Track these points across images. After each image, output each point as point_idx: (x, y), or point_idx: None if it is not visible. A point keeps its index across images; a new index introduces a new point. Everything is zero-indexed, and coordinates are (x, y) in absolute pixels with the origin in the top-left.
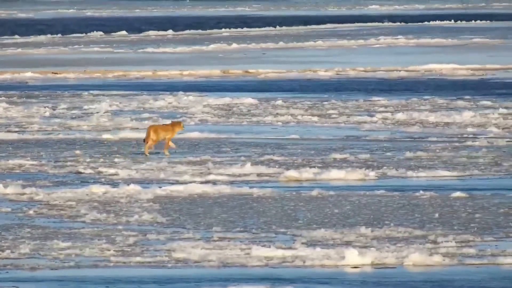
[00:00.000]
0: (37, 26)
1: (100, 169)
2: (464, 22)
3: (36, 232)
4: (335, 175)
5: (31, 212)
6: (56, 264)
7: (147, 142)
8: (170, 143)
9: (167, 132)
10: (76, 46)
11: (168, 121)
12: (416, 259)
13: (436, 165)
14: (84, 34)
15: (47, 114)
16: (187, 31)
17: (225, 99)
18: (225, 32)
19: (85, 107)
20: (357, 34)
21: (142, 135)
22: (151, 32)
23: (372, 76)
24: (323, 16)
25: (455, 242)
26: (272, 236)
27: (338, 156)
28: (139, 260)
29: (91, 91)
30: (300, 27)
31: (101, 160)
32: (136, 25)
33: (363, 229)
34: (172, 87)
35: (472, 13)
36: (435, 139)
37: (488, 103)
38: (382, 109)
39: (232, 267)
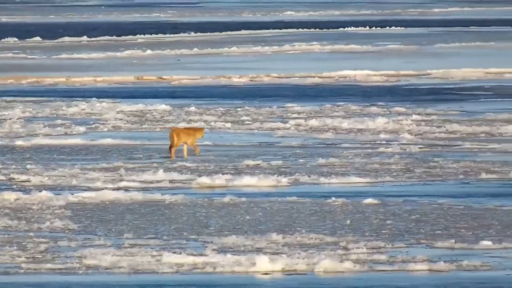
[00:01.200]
0: None
1: (12, 175)
2: (379, 28)
3: None
4: (247, 181)
5: None
6: None
7: (172, 146)
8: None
9: (189, 136)
10: None
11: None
12: (326, 265)
13: (349, 172)
14: None
15: None
16: (101, 37)
17: (139, 106)
18: (140, 38)
19: None
20: (272, 40)
21: (56, 141)
22: (66, 38)
23: (286, 83)
24: (238, 22)
25: (366, 248)
26: (183, 243)
27: (250, 162)
28: (50, 267)
29: (4, 98)
30: (215, 33)
31: (13, 166)
32: (50, 31)
33: (274, 236)
34: (85, 94)
35: (387, 19)
36: (348, 145)
37: (402, 109)
38: (295, 115)
39: (142, 273)
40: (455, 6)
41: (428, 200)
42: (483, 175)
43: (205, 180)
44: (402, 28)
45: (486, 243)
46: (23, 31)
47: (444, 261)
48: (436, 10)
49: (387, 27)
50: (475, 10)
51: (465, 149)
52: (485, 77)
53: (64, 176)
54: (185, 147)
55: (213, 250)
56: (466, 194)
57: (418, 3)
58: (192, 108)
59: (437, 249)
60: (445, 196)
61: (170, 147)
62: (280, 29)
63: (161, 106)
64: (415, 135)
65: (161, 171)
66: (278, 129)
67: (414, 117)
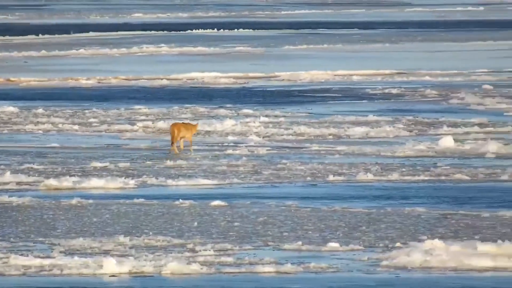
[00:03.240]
0: None
1: None
2: (227, 30)
3: None
4: (95, 183)
5: None
6: None
7: (173, 141)
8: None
9: (188, 131)
10: None
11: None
12: (174, 267)
13: (196, 174)
14: None
15: None
16: None
17: None
18: None
19: None
20: (120, 42)
21: None
22: None
23: (134, 85)
24: (86, 24)
25: (214, 250)
26: (31, 245)
27: (98, 164)
28: None
29: None
30: (63, 35)
31: None
32: None
33: (121, 238)
34: None
35: (235, 21)
36: (195, 147)
37: (250, 111)
38: (143, 117)
39: None
40: (303, 9)
41: (275, 202)
42: (331, 177)
43: (52, 182)
44: (250, 30)
45: (333, 245)
46: None
47: (292, 263)
48: (284, 12)
49: (235, 29)
50: (323, 13)
51: (313, 151)
52: (333, 79)
53: None
54: (181, 141)
55: (60, 252)
56: (313, 196)
57: (265, 5)
58: (40, 110)
59: (285, 251)
60: (293, 198)
61: (172, 142)
62: (128, 31)
63: (9, 108)
64: (263, 137)
65: (8, 173)
66: (126, 131)
67: (262, 119)
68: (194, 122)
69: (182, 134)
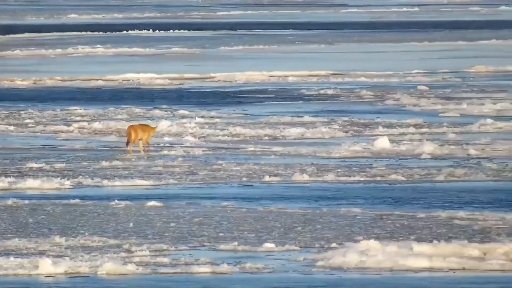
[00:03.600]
0: None
1: None
2: (162, 31)
3: None
4: (31, 184)
5: None
6: None
7: (129, 142)
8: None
9: (144, 132)
10: None
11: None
12: (109, 268)
13: (132, 174)
14: None
15: None
16: None
17: None
18: None
19: None
20: (56, 43)
21: None
22: None
23: (70, 86)
24: (21, 25)
25: (149, 251)
26: None
27: (34, 165)
28: None
29: None
30: None
31: None
32: None
33: (57, 238)
34: None
35: (170, 22)
36: (132, 148)
37: (185, 112)
38: (79, 118)
39: None
40: (238, 9)
41: (211, 203)
42: (267, 178)
43: None
44: (186, 31)
45: (269, 245)
46: None
47: (228, 264)
48: (219, 13)
49: (171, 30)
50: (259, 13)
51: (248, 152)
52: (269, 80)
53: None
54: (140, 143)
55: None
56: (249, 197)
57: (201, 6)
58: None
59: (221, 251)
60: (229, 198)
61: (127, 143)
62: (64, 32)
63: None
64: (199, 138)
65: None
66: (62, 132)
67: (198, 120)
68: (153, 124)
69: (140, 136)
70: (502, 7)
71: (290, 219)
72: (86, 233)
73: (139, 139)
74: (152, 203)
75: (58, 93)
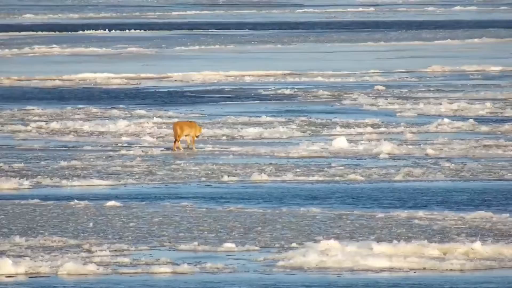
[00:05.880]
0: None
1: None
2: (118, 31)
3: None
4: None
5: None
6: None
7: (177, 139)
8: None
9: (191, 129)
10: None
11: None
12: (70, 268)
13: (91, 174)
14: None
15: None
16: None
17: None
18: None
19: None
20: (12, 43)
21: None
22: None
23: (27, 85)
24: None
25: (110, 251)
26: None
27: None
28: None
29: None
30: None
31: None
32: None
33: (17, 239)
34: None
35: (126, 22)
36: (89, 148)
37: (143, 112)
38: (36, 118)
39: None
40: (194, 9)
41: (170, 203)
42: (225, 178)
43: None
44: (142, 31)
45: (229, 245)
46: None
47: (188, 264)
48: (175, 13)
49: (127, 30)
50: (215, 13)
51: (207, 152)
52: (226, 80)
53: None
54: (188, 138)
55: None
56: (208, 197)
57: (157, 6)
58: None
59: (181, 251)
60: (188, 198)
61: (176, 140)
62: (19, 31)
63: None
64: (157, 137)
65: None
66: (19, 131)
67: (155, 119)
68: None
69: (186, 132)
70: (457, 7)
71: (249, 219)
72: (46, 233)
73: (186, 135)
74: (111, 203)
75: (15, 93)
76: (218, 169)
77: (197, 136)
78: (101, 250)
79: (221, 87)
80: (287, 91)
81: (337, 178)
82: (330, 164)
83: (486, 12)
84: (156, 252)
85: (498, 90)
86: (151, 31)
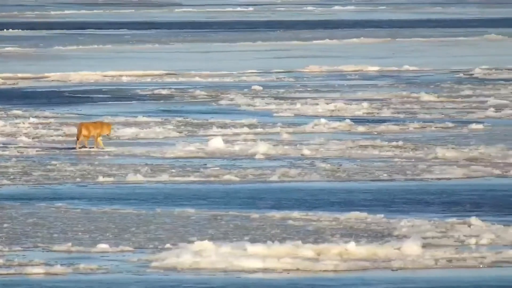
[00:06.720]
0: None
1: None
2: None
3: None
4: None
5: None
6: None
7: (78, 138)
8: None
9: (96, 129)
10: None
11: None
12: None
13: None
14: None
15: None
16: None
17: None
18: None
19: None
20: None
21: None
22: None
23: None
24: None
25: None
26: None
27: None
28: None
29: None
30: None
31: None
32: None
33: None
34: None
35: (4, 22)
36: None
37: (19, 112)
38: None
39: None
40: (72, 9)
41: (45, 203)
42: (100, 178)
43: None
44: (20, 30)
45: (103, 246)
46: None
47: (61, 264)
48: (53, 12)
49: (4, 30)
50: (93, 13)
51: (82, 152)
52: (103, 80)
53: None
54: (96, 139)
55: None
56: (83, 197)
57: (35, 5)
58: None
59: (54, 252)
60: (62, 199)
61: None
62: None
63: None
64: (33, 138)
65: None
66: None
67: (32, 120)
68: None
69: (92, 133)
70: (336, 7)
71: (124, 220)
72: None
73: (93, 136)
74: None
75: None
76: (94, 169)
77: (107, 135)
78: None
79: (98, 87)
80: (164, 91)
81: (213, 178)
82: (205, 164)
83: (365, 12)
84: (29, 253)
85: (375, 90)
86: (29, 30)
